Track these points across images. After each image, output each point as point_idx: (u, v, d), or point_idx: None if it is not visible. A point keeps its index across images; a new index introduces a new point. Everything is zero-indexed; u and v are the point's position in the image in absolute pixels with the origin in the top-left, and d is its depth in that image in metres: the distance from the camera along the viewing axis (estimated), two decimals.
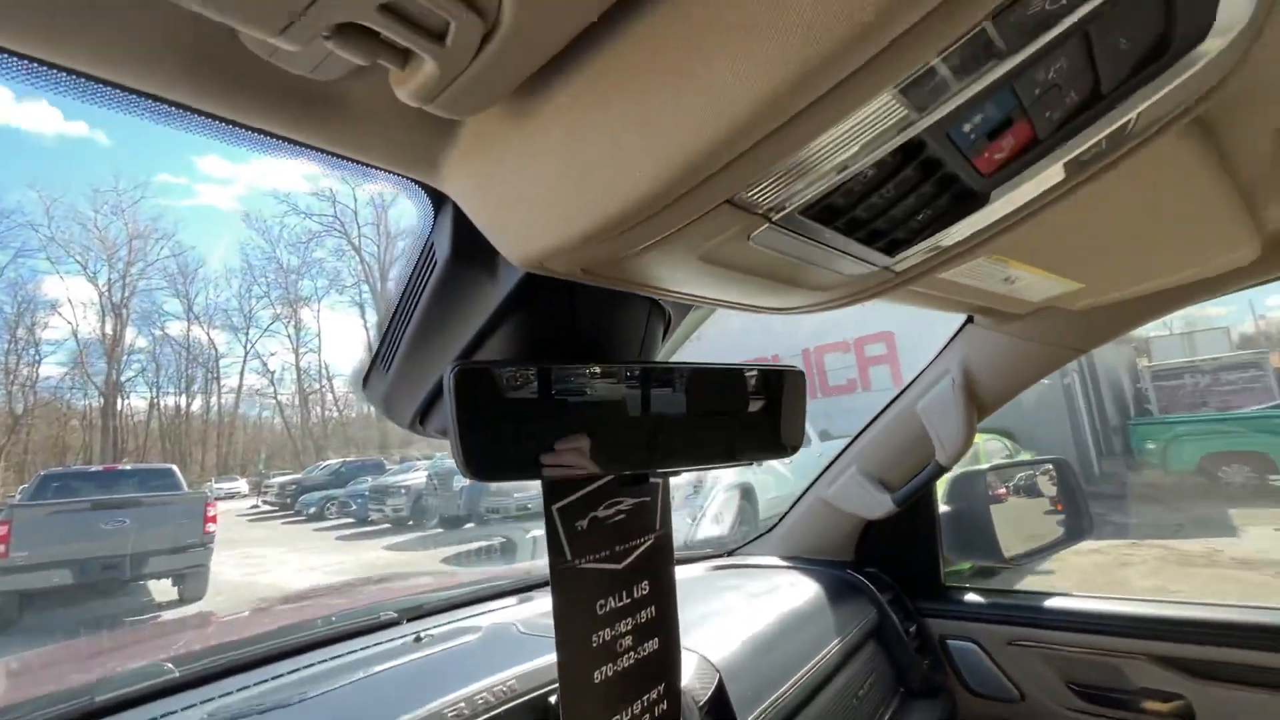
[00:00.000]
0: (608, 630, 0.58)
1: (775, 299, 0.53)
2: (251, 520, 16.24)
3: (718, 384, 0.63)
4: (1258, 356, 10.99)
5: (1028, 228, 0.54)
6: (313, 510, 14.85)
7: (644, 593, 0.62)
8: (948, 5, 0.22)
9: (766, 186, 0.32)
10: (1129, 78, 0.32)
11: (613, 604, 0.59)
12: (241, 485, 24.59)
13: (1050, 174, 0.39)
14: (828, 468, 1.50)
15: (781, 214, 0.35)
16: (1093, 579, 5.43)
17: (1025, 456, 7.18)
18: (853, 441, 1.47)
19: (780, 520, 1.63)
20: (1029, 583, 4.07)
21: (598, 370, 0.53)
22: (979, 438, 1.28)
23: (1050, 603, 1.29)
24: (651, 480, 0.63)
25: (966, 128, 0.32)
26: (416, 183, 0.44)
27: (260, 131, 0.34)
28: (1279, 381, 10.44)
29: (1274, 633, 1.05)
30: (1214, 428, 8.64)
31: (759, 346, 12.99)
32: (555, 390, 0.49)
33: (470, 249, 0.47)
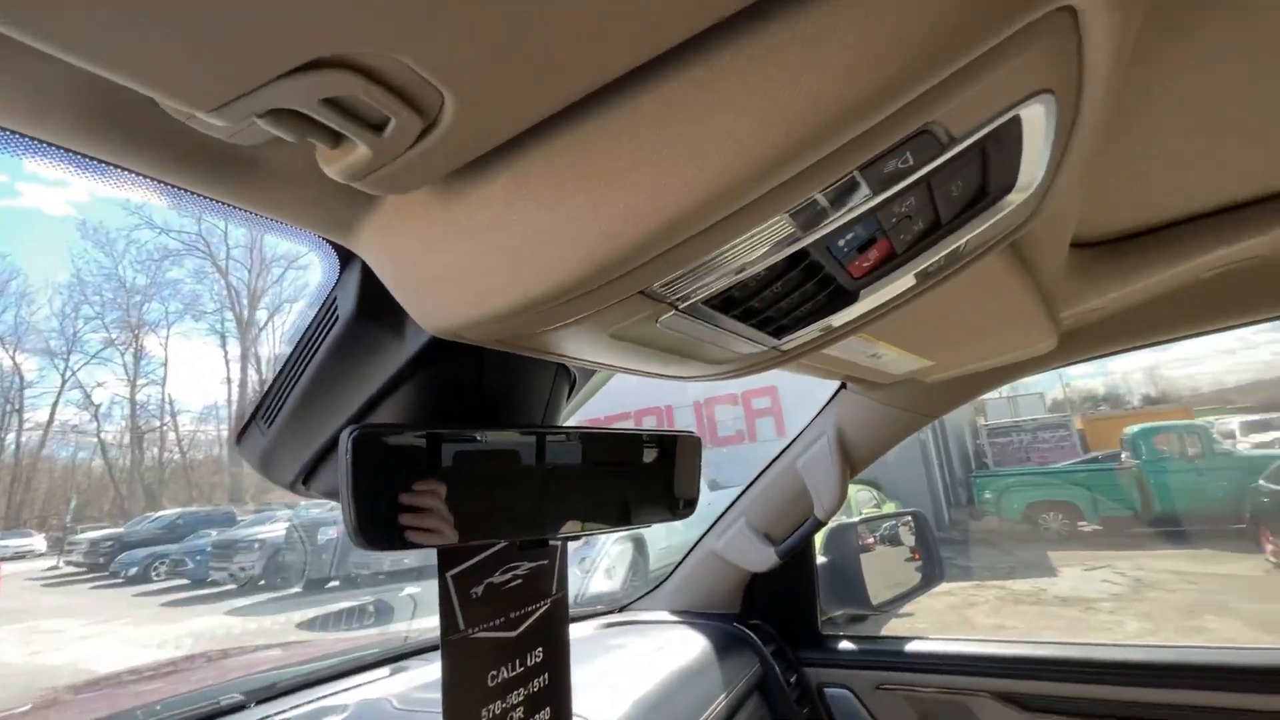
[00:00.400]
0: (499, 703, 0.56)
1: (675, 369, 0.57)
2: (48, 585, 13.39)
3: (616, 448, 0.66)
4: (1064, 419, 13.07)
5: (888, 316, 0.63)
6: (134, 571, 12.52)
7: (537, 660, 0.61)
8: (826, 160, 0.27)
9: (676, 281, 0.36)
10: (959, 214, 0.40)
11: (505, 674, 0.57)
12: (36, 542, 20.30)
13: (905, 280, 0.48)
14: (717, 521, 1.56)
15: (687, 303, 0.39)
16: (945, 619, 5.98)
17: (890, 506, 7.88)
18: (740, 495, 1.54)
19: (671, 573, 1.65)
20: (894, 627, 4.39)
21: (500, 435, 0.53)
22: (851, 489, 1.40)
23: (911, 646, 1.41)
24: (550, 544, 0.63)
25: (841, 243, 0.38)
26: (326, 239, 0.43)
27: (162, 182, 0.32)
28: (1081, 441, 12.46)
29: (1093, 667, 1.22)
30: (1035, 480, 10.06)
31: (652, 396, 13.31)
32: (457, 456, 0.49)
33: (377, 308, 0.47)
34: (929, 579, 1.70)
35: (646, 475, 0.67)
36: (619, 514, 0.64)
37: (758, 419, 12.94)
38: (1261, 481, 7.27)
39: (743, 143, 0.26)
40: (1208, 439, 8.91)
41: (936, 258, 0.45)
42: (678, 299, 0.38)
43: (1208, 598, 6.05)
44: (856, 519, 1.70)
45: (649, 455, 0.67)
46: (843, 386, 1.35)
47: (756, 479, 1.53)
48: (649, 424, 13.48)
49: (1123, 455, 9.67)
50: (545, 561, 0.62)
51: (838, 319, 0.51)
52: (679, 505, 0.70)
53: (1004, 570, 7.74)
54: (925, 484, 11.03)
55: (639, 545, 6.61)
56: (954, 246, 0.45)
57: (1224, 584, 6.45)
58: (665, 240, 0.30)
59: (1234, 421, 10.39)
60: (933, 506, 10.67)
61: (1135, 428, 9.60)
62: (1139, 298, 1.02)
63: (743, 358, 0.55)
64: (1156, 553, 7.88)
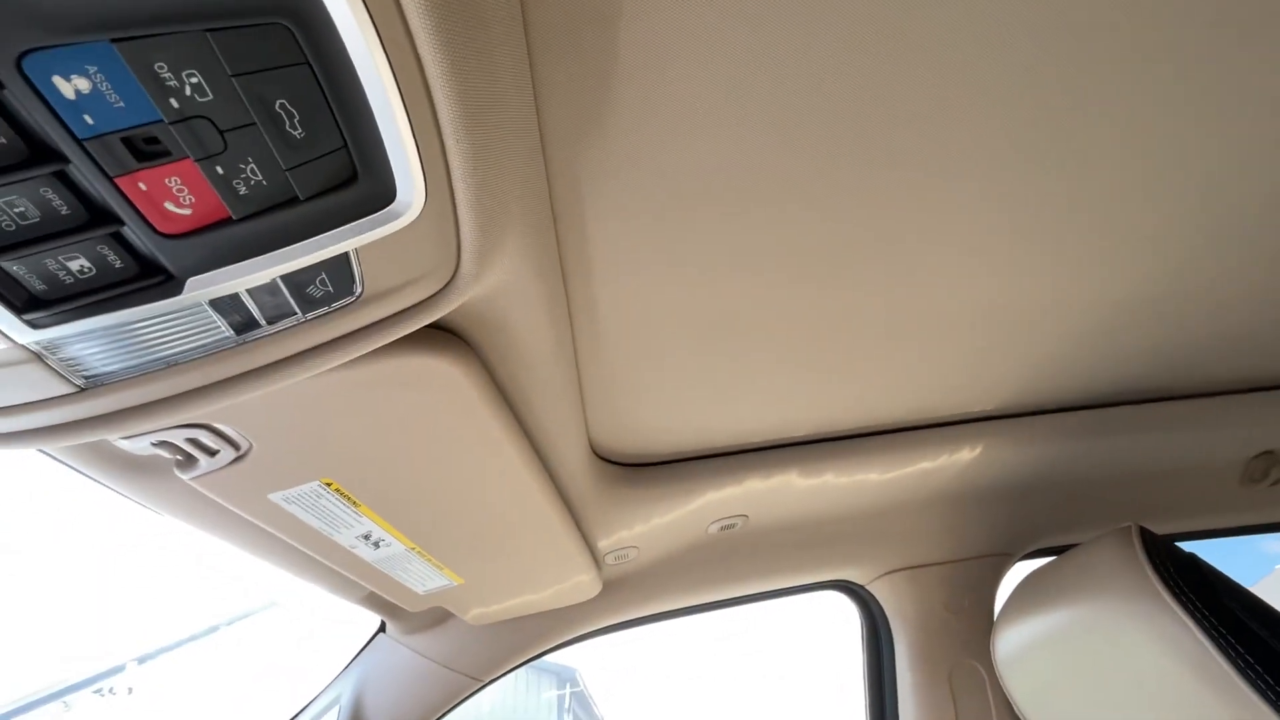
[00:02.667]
0: None
1: None
2: None
3: None
4: None
5: (355, 460, 0.51)
6: None
7: None
8: None
9: None
10: (319, 196, 0.26)
11: None
12: None
13: (275, 300, 0.30)
14: None
15: None
16: None
17: None
18: None
19: None
20: None
21: None
22: None
23: None
24: None
25: (65, 86, 0.20)
26: None
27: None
28: None
29: None
30: None
31: None
32: None
33: None
34: None
35: None
36: None
37: None
38: None
39: None
40: None
41: (301, 264, 0.28)
42: None
43: None
44: None
45: None
46: (382, 629, 1.12)
47: None
48: None
49: None
50: None
51: (148, 320, 0.28)
52: None
53: None
54: None
55: None
56: (324, 256, 0.28)
57: None
58: None
59: None
60: None
61: None
62: (667, 545, 1.04)
63: None
64: None
